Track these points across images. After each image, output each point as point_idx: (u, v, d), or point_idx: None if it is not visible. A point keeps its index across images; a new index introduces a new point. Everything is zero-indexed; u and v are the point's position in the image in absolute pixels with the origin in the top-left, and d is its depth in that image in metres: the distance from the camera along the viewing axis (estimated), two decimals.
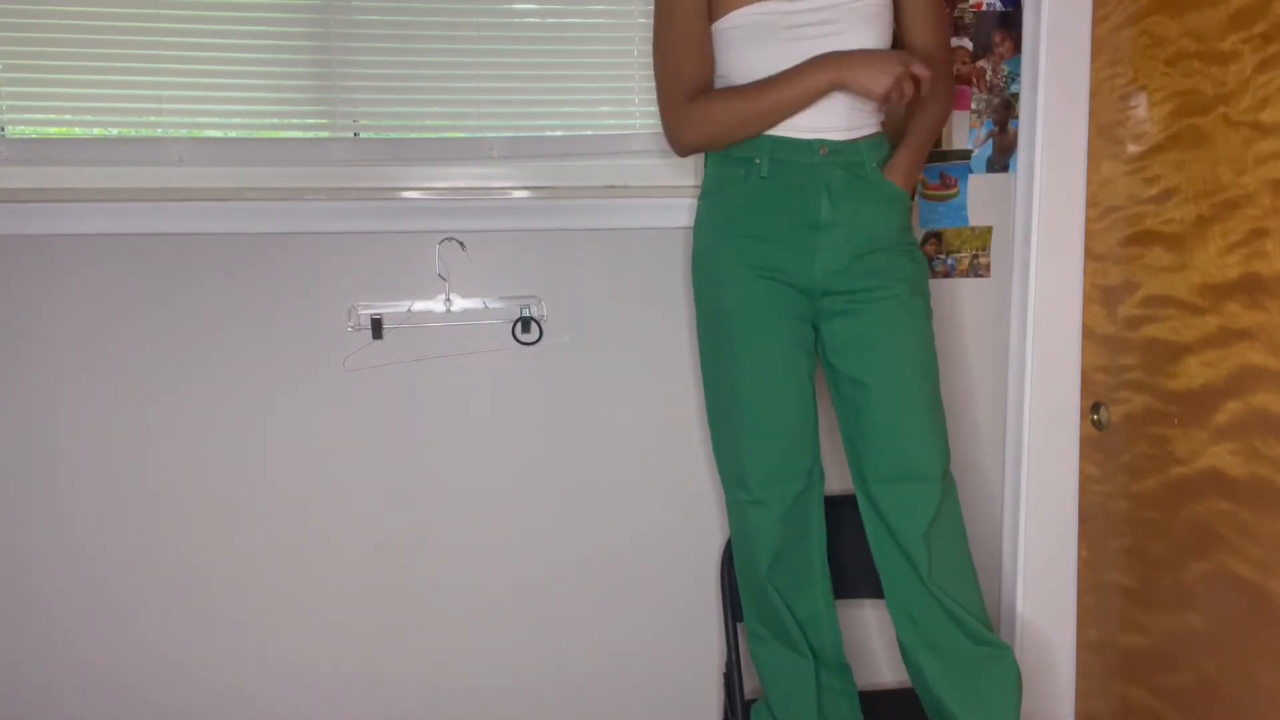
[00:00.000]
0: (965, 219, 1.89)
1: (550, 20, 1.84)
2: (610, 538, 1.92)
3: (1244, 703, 1.43)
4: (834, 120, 1.55)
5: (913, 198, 1.77)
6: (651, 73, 1.70)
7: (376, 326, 1.81)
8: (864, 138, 1.58)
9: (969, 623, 1.58)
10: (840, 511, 1.75)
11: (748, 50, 1.54)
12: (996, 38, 1.85)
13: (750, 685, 1.88)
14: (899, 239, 1.61)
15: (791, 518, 1.65)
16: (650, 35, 1.78)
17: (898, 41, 1.63)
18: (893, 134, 1.66)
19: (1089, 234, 1.81)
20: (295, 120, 1.83)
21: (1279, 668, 1.36)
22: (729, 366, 1.63)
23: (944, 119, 1.67)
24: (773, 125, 1.55)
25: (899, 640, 1.65)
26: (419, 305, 1.81)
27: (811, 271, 1.58)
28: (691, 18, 1.58)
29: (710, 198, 1.66)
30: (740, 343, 1.61)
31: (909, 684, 1.69)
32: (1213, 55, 1.45)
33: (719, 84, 1.62)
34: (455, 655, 1.91)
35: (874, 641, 1.97)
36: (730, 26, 1.54)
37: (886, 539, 1.61)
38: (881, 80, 1.44)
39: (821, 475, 1.68)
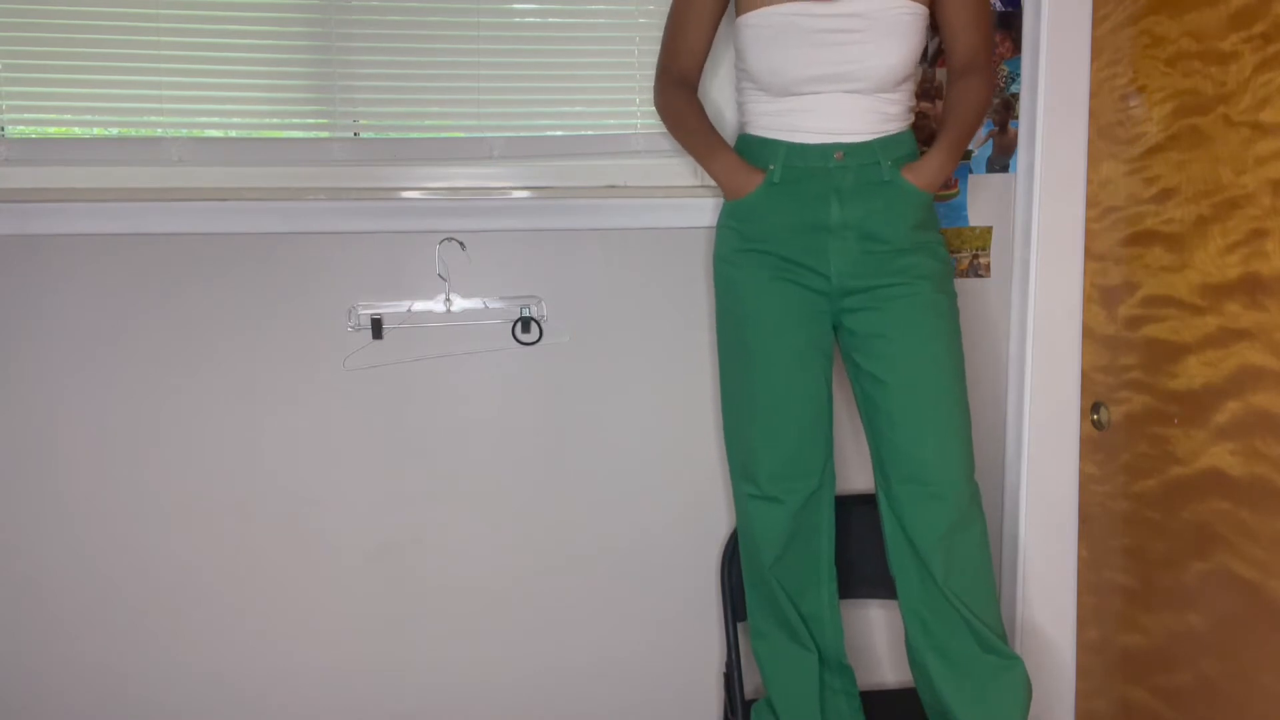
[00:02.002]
0: (965, 219, 1.89)
1: (550, 20, 1.84)
2: (610, 538, 1.92)
3: (1244, 703, 1.43)
4: (850, 123, 1.55)
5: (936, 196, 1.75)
6: (653, 72, 1.73)
7: (376, 326, 1.81)
8: (883, 136, 1.56)
9: (982, 631, 1.57)
10: (848, 511, 1.74)
11: (772, 50, 1.53)
12: (996, 38, 1.85)
13: (750, 685, 1.88)
14: (917, 237, 1.58)
15: (802, 516, 1.65)
16: (651, 32, 1.79)
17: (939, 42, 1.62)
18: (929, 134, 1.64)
19: (1089, 234, 1.81)
20: (295, 120, 1.83)
21: (1279, 668, 1.36)
22: (744, 364, 1.63)
23: (979, 119, 1.64)
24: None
25: (907, 642, 1.65)
26: (419, 305, 1.81)
27: (827, 273, 1.58)
28: (707, 8, 1.63)
29: (729, 199, 1.65)
30: (755, 343, 1.61)
31: (912, 684, 1.69)
32: (1213, 55, 1.45)
33: (741, 76, 1.63)
34: (455, 655, 1.91)
35: (877, 641, 1.97)
36: (756, 24, 1.54)
37: (902, 540, 1.60)
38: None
39: (833, 475, 1.68)
